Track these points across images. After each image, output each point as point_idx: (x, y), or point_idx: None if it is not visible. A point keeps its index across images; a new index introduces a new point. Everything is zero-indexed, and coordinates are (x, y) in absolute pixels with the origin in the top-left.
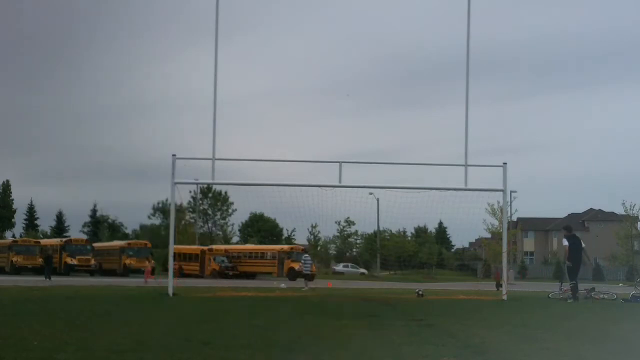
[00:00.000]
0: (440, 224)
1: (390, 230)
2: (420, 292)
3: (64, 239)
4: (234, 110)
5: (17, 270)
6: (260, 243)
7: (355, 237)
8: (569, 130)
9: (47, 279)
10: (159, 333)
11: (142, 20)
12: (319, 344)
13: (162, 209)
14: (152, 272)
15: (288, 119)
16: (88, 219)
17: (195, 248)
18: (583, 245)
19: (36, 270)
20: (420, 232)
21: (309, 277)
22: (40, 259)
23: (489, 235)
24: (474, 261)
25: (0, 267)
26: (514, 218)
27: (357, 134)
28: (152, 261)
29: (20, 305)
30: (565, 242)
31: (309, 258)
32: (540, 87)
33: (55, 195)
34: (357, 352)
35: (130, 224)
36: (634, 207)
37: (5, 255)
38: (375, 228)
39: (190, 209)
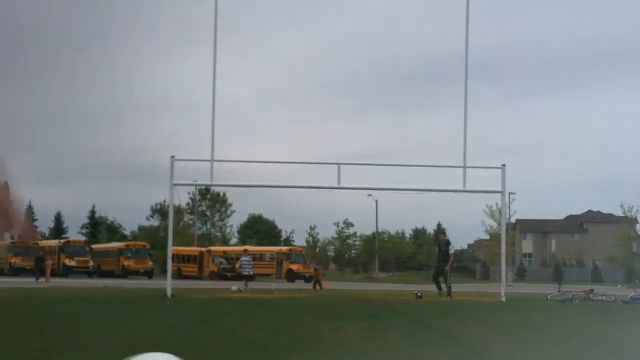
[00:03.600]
0: (439, 225)
1: (389, 232)
2: (418, 294)
3: (62, 241)
4: (233, 111)
5: (16, 271)
6: (259, 245)
7: (353, 239)
8: (568, 131)
9: (46, 280)
10: (158, 334)
11: (140, 21)
12: (317, 345)
13: (160, 211)
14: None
15: (287, 121)
16: (86, 221)
17: (193, 249)
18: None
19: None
20: (419, 233)
21: (248, 279)
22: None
23: (487, 237)
24: (473, 263)
25: None
26: (513, 220)
27: (356, 136)
28: (49, 260)
29: (18, 306)
30: (453, 250)
31: (248, 259)
32: (539, 88)
33: (54, 197)
34: (356, 353)
35: (129, 226)
36: (632, 209)
37: (3, 257)
38: (374, 229)
39: (189, 211)
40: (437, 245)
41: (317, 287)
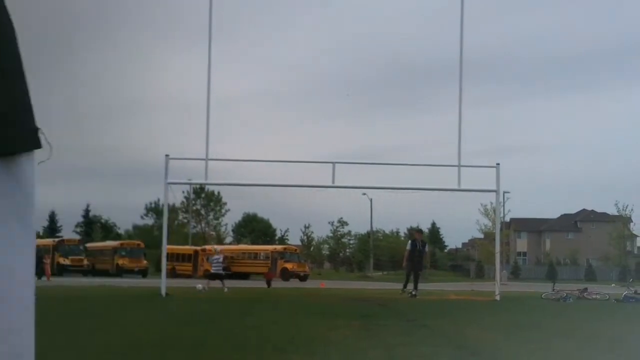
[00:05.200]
0: (434, 224)
1: (384, 231)
2: (413, 293)
3: (56, 239)
4: (228, 110)
5: None
6: (254, 243)
7: (348, 238)
8: (562, 131)
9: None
10: (152, 333)
11: (135, 21)
12: (312, 344)
13: (155, 209)
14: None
15: (281, 120)
16: (81, 219)
17: (188, 248)
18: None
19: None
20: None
21: (220, 277)
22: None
23: (482, 236)
24: (467, 262)
25: None
26: (507, 219)
27: (351, 135)
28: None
29: None
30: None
31: (218, 258)
32: (533, 88)
33: (48, 196)
34: (351, 352)
35: (123, 224)
36: (626, 207)
37: None
38: (369, 228)
39: (183, 209)
40: (412, 242)
41: (268, 285)
